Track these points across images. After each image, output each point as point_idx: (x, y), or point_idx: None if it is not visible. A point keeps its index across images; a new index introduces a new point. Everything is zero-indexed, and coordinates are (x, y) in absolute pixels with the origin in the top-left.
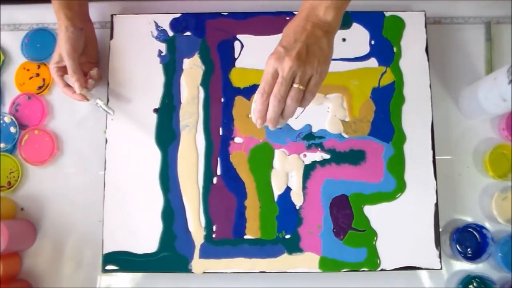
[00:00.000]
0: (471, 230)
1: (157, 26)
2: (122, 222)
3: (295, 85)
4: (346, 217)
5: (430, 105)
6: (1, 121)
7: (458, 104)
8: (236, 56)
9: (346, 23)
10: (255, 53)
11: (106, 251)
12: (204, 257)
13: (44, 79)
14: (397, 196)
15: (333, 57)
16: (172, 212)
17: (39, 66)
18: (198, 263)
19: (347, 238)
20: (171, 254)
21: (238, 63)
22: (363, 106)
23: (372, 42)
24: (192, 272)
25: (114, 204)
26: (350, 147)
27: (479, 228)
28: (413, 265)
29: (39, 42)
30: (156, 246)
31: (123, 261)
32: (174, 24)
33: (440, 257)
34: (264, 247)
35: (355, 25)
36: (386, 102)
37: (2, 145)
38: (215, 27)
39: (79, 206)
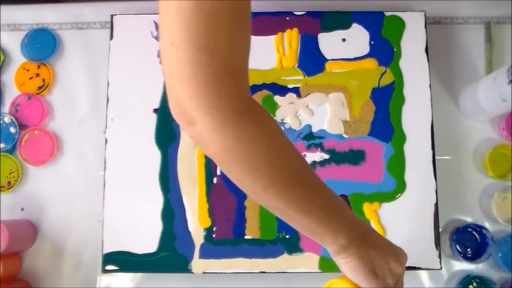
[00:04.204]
0: (471, 230)
1: (157, 26)
2: (122, 222)
3: None
4: None
5: (430, 105)
6: (1, 121)
7: (458, 104)
8: None
9: (346, 23)
10: (255, 53)
11: (106, 251)
12: (204, 257)
13: (44, 79)
14: (397, 196)
15: (333, 57)
16: (172, 212)
17: (39, 66)
18: (198, 263)
19: None
20: (171, 254)
21: None
22: (363, 106)
23: (372, 42)
24: (192, 272)
25: (114, 204)
26: (350, 147)
27: (479, 228)
28: (413, 265)
29: (39, 42)
30: (156, 246)
31: (123, 261)
32: None
33: (440, 257)
34: (264, 247)
35: (355, 25)
36: (386, 102)
37: (2, 145)
38: None
39: (79, 206)
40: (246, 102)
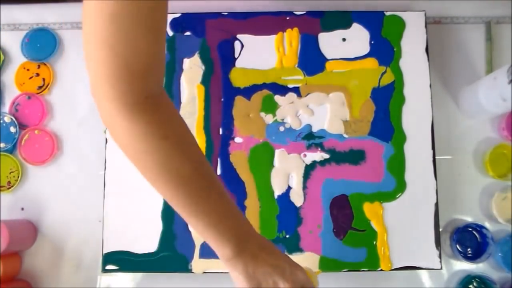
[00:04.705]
0: (471, 230)
1: None
2: (122, 222)
3: None
4: (346, 217)
5: (430, 105)
6: (1, 121)
7: (458, 104)
8: (236, 56)
9: (346, 23)
10: (255, 53)
11: (106, 251)
12: (204, 257)
13: (44, 79)
14: (397, 196)
15: (333, 57)
16: (172, 212)
17: (39, 66)
18: (198, 263)
19: (347, 238)
20: (171, 254)
21: (238, 63)
22: (363, 106)
23: (372, 42)
24: (192, 272)
25: (114, 204)
26: (350, 147)
27: (479, 228)
28: (413, 265)
29: (39, 42)
30: (156, 246)
31: (123, 261)
32: (174, 24)
33: (440, 257)
34: None
35: (355, 25)
36: (386, 102)
37: (2, 145)
38: (215, 27)
39: (79, 206)
40: (142, 101)
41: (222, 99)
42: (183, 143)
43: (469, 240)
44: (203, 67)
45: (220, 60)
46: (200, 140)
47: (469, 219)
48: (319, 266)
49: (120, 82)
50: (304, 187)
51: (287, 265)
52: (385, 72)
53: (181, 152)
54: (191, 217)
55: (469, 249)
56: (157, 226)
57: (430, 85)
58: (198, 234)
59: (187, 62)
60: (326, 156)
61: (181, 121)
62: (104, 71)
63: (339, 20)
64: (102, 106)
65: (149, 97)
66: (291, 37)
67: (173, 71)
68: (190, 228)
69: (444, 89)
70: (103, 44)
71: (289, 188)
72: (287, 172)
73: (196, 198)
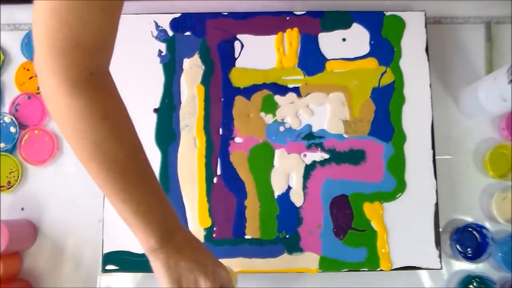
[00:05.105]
0: (471, 230)
1: (157, 26)
2: (122, 222)
3: None
4: (346, 217)
5: (430, 105)
6: (1, 121)
7: (458, 104)
8: (236, 56)
9: (346, 23)
10: (255, 53)
11: (106, 251)
12: None
13: None
14: (397, 196)
15: (333, 57)
16: None
17: None
18: None
19: (347, 238)
20: None
21: (238, 63)
22: (363, 106)
23: (372, 42)
24: None
25: None
26: (350, 147)
27: (479, 228)
28: (413, 265)
29: None
30: None
31: (123, 261)
32: (174, 24)
33: (440, 257)
34: (264, 247)
35: (355, 25)
36: (386, 102)
37: (2, 145)
38: (215, 27)
39: (79, 206)
40: (86, 78)
41: (222, 99)
42: (121, 127)
43: (469, 240)
44: (203, 67)
45: (220, 60)
46: (200, 140)
47: (469, 219)
48: (319, 266)
49: (65, 54)
50: (304, 187)
51: (210, 262)
52: (385, 72)
53: (119, 136)
54: (120, 203)
55: (469, 249)
56: None
57: (430, 85)
58: (124, 221)
59: (187, 62)
60: (326, 156)
61: (122, 106)
62: (51, 41)
63: (339, 20)
64: (43, 79)
65: (93, 75)
66: (291, 37)
67: (173, 71)
68: (190, 228)
69: (444, 89)
70: (54, 13)
71: (289, 188)
72: (287, 172)
73: (127, 184)
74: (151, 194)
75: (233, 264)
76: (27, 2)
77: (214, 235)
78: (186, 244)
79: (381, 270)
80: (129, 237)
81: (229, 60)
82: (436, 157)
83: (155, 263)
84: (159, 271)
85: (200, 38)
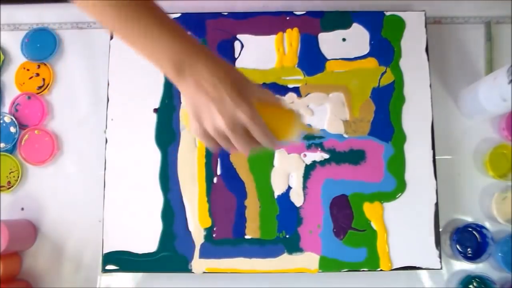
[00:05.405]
0: (471, 230)
1: None
2: (122, 222)
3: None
4: (346, 217)
5: (430, 105)
6: (1, 121)
7: (458, 104)
8: (236, 56)
9: (346, 23)
10: (255, 53)
11: (106, 251)
12: (204, 257)
13: (44, 79)
14: (397, 196)
15: (333, 57)
16: (172, 212)
17: (39, 66)
18: (198, 263)
19: (347, 238)
20: (171, 254)
21: (238, 63)
22: (363, 105)
23: (372, 42)
24: (192, 272)
25: (114, 204)
26: (350, 147)
27: (479, 228)
28: (413, 265)
29: (39, 42)
30: (156, 246)
31: (123, 261)
32: None
33: (440, 257)
34: (264, 247)
35: (355, 25)
36: (386, 102)
37: (2, 145)
38: (215, 27)
39: (79, 206)
40: None
41: None
42: None
43: (469, 240)
44: None
45: None
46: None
47: (469, 219)
48: (319, 266)
49: None
50: (304, 187)
51: (228, 99)
52: (385, 72)
53: None
54: (139, 30)
55: (469, 249)
56: (157, 226)
57: (430, 85)
58: (143, 53)
59: None
60: (326, 156)
61: None
62: None
63: (339, 20)
64: None
65: None
66: (291, 37)
67: None
68: (191, 228)
69: (444, 89)
70: None
71: (289, 188)
72: (287, 172)
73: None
74: (166, 22)
75: (233, 264)
76: (27, 2)
77: (214, 235)
78: (210, 75)
79: (381, 270)
80: (129, 237)
81: (229, 60)
82: (436, 157)
83: (180, 88)
84: (183, 96)
85: (200, 38)
